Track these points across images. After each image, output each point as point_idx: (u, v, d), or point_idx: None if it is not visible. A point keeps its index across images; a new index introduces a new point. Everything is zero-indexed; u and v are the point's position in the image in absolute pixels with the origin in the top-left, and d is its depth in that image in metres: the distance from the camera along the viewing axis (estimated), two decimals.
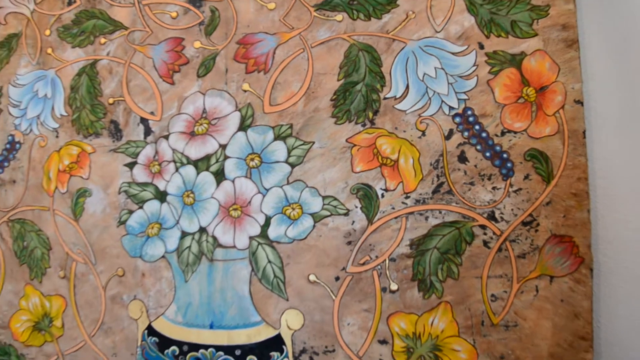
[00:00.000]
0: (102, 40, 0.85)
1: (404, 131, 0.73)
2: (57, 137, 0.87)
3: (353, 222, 0.73)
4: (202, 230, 0.78)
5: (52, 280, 0.85)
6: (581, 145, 0.68)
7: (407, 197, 0.72)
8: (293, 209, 0.75)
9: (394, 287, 0.72)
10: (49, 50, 0.88)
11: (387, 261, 0.72)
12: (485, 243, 0.70)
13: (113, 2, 0.85)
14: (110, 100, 0.84)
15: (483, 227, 0.70)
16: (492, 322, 0.69)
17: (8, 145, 0.89)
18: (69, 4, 0.88)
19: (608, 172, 0.69)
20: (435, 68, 0.72)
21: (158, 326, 0.80)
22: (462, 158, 0.71)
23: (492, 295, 0.69)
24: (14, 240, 0.88)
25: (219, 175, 0.77)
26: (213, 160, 0.78)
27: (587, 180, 0.68)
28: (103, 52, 0.85)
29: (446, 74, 0.72)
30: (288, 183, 0.75)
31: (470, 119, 0.71)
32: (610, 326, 0.69)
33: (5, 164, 0.89)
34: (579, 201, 0.68)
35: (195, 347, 0.77)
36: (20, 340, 0.87)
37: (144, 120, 0.82)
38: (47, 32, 0.88)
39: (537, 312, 0.68)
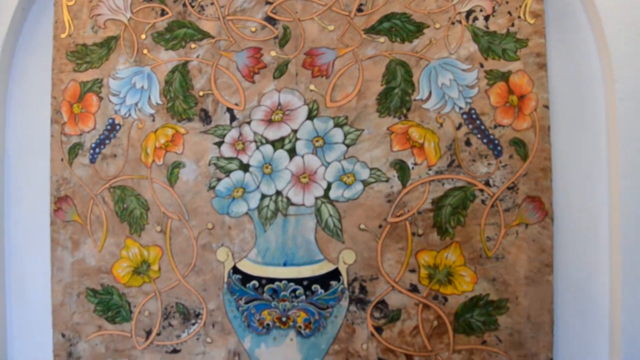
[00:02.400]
0: (192, 45, 1.14)
1: (428, 123, 1.08)
2: (153, 120, 1.15)
3: (392, 186, 1.08)
4: (278, 193, 1.10)
5: (149, 234, 1.14)
6: (547, 136, 1.06)
7: (429, 169, 1.08)
8: (348, 177, 1.09)
9: (420, 232, 1.07)
10: (145, 51, 1.16)
11: (416, 214, 1.07)
12: (482, 201, 1.07)
13: (201, 16, 1.15)
14: (201, 93, 1.14)
15: (481, 190, 1.07)
16: (487, 255, 1.06)
17: (109, 127, 1.17)
18: (162, 14, 1.16)
19: (564, 154, 1.08)
20: (449, 79, 1.08)
21: (241, 266, 1.11)
22: (468, 143, 1.08)
23: (487, 237, 1.06)
24: (115, 203, 1.16)
25: (292, 152, 1.10)
26: (287, 141, 1.10)
27: (550, 160, 1.06)
28: (193, 55, 1.14)
29: (457, 84, 1.08)
30: (344, 158, 1.09)
31: (474, 116, 1.08)
32: (564, 257, 1.08)
33: (107, 141, 1.17)
34: (545, 174, 1.06)
35: (271, 280, 1.10)
36: (121, 282, 1.15)
37: (229, 110, 1.13)
38: (143, 36, 1.16)
39: (517, 249, 1.06)
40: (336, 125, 1.10)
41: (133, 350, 1.15)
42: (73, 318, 1.17)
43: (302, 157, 1.10)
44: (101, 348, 1.16)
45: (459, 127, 1.08)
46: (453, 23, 1.09)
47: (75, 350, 1.17)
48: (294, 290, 1.10)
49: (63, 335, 1.18)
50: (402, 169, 1.09)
